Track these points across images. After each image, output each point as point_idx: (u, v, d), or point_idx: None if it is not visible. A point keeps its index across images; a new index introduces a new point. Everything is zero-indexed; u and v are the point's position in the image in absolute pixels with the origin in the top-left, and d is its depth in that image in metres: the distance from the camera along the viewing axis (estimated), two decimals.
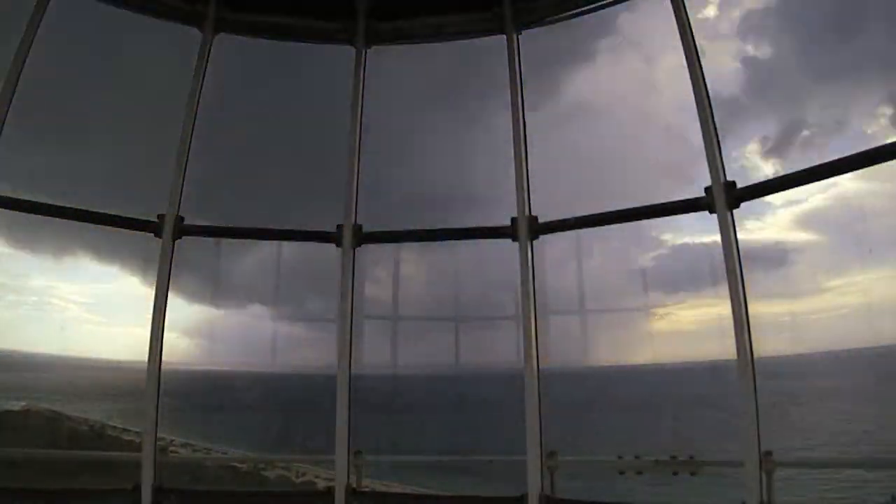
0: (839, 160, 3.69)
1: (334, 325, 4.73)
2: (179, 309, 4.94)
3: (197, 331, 6.10)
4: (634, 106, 6.14)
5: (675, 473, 4.34)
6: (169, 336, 4.53)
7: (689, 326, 6.17)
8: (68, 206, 4.76)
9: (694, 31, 4.25)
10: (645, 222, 4.71)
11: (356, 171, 4.98)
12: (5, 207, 4.43)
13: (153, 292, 4.57)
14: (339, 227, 4.86)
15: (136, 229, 4.76)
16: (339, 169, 4.97)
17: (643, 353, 6.21)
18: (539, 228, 4.67)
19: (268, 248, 5.75)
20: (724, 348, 3.87)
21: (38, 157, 5.56)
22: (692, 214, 4.24)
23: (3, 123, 4.35)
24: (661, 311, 5.87)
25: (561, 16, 4.95)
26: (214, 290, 5.98)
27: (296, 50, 5.48)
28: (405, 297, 5.71)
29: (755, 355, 3.80)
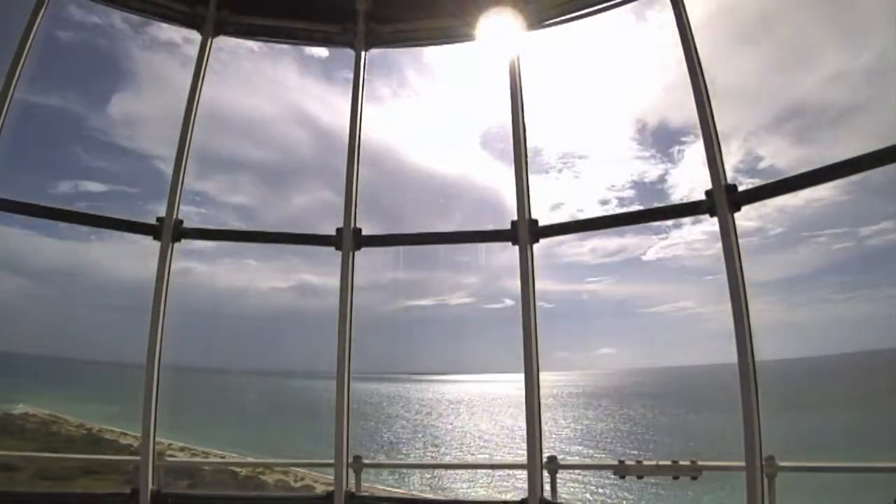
0: (838, 164, 3.67)
1: None
2: None
3: None
4: None
5: (675, 478, 4.32)
6: None
7: None
8: (70, 209, 4.77)
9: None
10: None
11: (355, 174, 4.97)
12: (6, 210, 4.42)
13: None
14: (339, 230, 4.86)
15: (136, 232, 4.75)
16: None
17: None
18: (539, 231, 4.66)
19: None
20: None
21: None
22: None
23: (3, 123, 4.35)
24: None
25: (561, 18, 4.95)
26: None
27: None
28: None
29: (756, 358, 3.79)
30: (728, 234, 3.93)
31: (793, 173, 3.88)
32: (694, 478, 4.25)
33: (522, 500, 4.29)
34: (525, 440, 4.37)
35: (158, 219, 4.69)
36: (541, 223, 4.67)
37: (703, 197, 4.09)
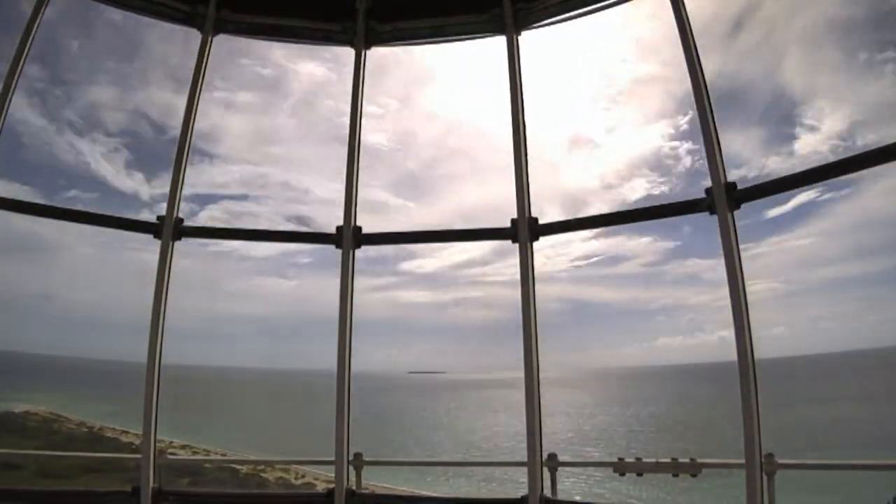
0: (838, 162, 3.68)
1: None
2: None
3: None
4: None
5: (675, 475, 4.33)
6: None
7: None
8: (72, 208, 4.78)
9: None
10: None
11: (355, 172, 4.97)
12: (5, 209, 4.43)
13: None
14: (339, 228, 4.86)
15: (136, 231, 4.77)
16: None
17: None
18: (539, 230, 4.66)
19: None
20: None
21: None
22: None
23: (3, 123, 4.36)
24: None
25: (561, 17, 4.94)
26: None
27: None
28: None
29: (756, 356, 3.80)
30: (728, 233, 3.93)
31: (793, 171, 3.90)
32: (694, 475, 4.26)
33: (523, 497, 4.30)
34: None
35: (159, 217, 4.70)
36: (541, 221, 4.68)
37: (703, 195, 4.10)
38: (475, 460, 30.38)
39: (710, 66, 4.20)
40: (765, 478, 3.70)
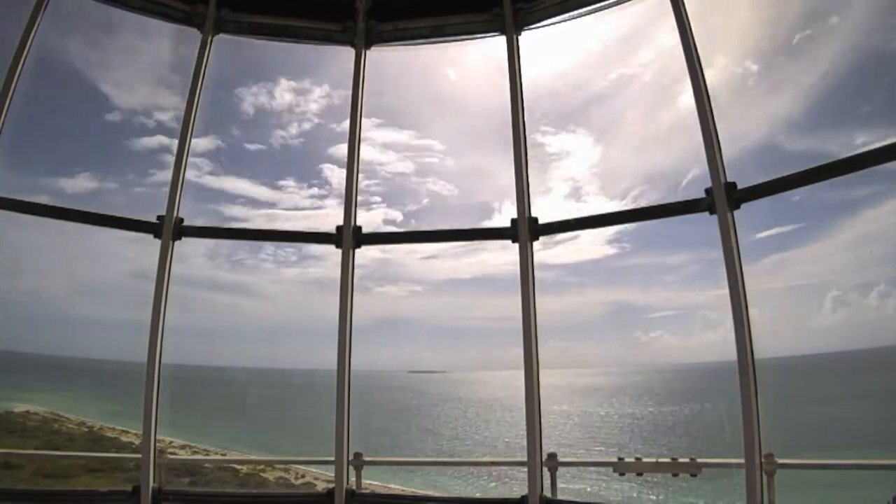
0: (839, 161, 3.68)
1: None
2: None
3: None
4: None
5: (675, 475, 4.33)
6: None
7: None
8: (72, 207, 4.78)
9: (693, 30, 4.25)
10: None
11: (355, 172, 4.98)
12: (5, 209, 4.43)
13: None
14: (339, 228, 4.87)
15: (136, 230, 4.76)
16: None
17: None
18: (539, 230, 4.66)
19: None
20: None
21: None
22: None
23: (3, 123, 4.37)
24: None
25: (561, 17, 4.95)
26: None
27: None
28: None
29: (756, 356, 3.80)
30: (728, 233, 3.93)
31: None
32: (693, 475, 4.27)
33: (522, 496, 4.30)
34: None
35: (159, 217, 4.70)
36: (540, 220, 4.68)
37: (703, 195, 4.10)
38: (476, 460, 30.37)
39: None
40: (765, 477, 3.71)
